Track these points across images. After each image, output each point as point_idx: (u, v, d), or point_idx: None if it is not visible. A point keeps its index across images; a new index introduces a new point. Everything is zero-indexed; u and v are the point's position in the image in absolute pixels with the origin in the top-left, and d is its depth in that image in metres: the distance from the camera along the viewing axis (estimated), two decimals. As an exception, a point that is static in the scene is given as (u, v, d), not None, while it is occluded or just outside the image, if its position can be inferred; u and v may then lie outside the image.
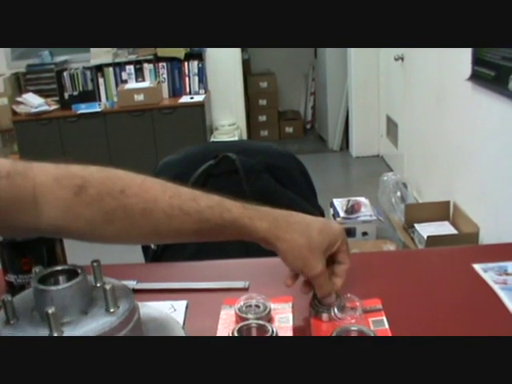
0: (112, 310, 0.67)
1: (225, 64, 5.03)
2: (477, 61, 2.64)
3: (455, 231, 3.08)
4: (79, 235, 0.73)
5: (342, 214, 3.39)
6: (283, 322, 0.83)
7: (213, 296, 0.91)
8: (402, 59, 4.01)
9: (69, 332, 0.63)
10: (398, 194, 3.76)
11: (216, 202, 0.75)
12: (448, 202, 3.23)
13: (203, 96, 4.92)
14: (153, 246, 1.53)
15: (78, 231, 0.72)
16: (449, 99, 3.16)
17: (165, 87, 5.00)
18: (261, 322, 0.78)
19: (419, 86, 3.75)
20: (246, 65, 5.76)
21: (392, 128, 4.61)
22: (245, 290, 0.92)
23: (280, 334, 0.78)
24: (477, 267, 0.92)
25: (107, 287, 0.67)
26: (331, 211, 3.47)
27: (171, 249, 1.49)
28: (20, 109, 4.75)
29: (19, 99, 4.79)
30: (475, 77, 2.69)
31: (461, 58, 2.79)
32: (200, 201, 0.74)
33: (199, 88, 5.01)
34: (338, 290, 0.81)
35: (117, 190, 0.71)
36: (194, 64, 4.96)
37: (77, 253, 0.91)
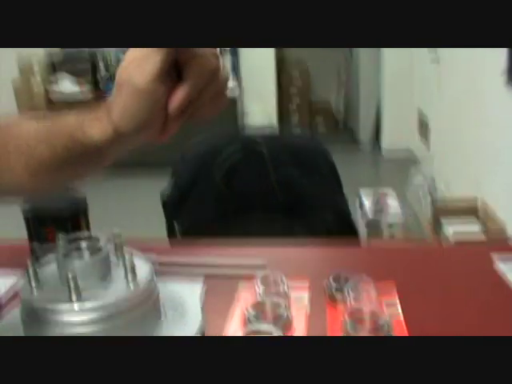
0: (130, 280, 0.69)
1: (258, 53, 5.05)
2: (512, 55, 2.60)
3: (482, 227, 3.04)
4: None
5: (368, 205, 3.38)
6: (298, 301, 0.84)
7: (230, 271, 0.94)
8: (435, 52, 3.96)
9: (87, 298, 0.66)
10: (426, 188, 3.73)
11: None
12: (476, 199, 3.19)
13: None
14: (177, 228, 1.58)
15: None
16: (482, 94, 3.11)
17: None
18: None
19: (452, 80, 3.70)
20: (279, 51, 5.73)
21: (423, 122, 4.56)
22: (262, 267, 0.93)
23: (294, 314, 0.80)
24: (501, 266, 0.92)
25: (126, 257, 0.69)
26: (357, 202, 3.47)
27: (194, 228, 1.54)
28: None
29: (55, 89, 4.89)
30: (510, 72, 2.64)
31: (495, 52, 2.74)
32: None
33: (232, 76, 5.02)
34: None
35: (4, 125, 0.73)
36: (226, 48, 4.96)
37: (101, 225, 0.93)
